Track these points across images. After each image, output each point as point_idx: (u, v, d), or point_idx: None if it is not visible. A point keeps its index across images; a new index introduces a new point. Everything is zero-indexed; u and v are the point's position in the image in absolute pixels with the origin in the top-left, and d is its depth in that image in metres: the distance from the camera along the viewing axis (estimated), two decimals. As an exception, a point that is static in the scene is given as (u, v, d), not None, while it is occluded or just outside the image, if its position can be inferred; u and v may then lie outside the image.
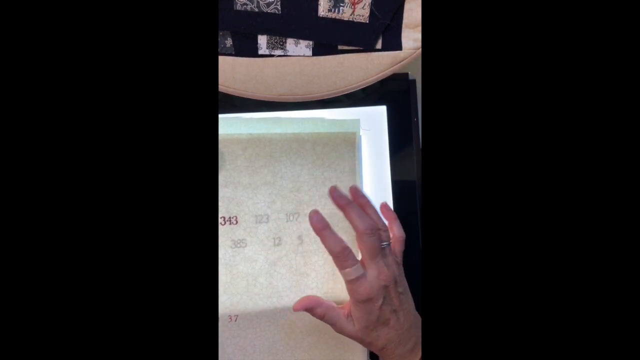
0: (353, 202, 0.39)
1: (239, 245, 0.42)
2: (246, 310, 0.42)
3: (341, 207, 0.38)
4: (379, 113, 0.46)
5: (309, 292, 0.43)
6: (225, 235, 0.41)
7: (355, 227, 0.37)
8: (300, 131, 0.43)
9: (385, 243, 0.38)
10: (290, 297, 0.42)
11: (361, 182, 0.44)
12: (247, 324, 0.42)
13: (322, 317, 0.39)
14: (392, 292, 0.37)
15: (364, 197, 0.41)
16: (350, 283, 0.36)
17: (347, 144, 0.44)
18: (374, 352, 0.39)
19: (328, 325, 0.40)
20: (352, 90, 0.39)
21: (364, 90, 0.39)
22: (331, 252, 0.37)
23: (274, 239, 0.42)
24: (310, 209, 0.42)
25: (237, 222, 0.42)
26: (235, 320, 0.42)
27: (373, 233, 0.36)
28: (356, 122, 0.43)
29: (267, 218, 0.42)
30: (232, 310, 0.42)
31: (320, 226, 0.37)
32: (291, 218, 0.43)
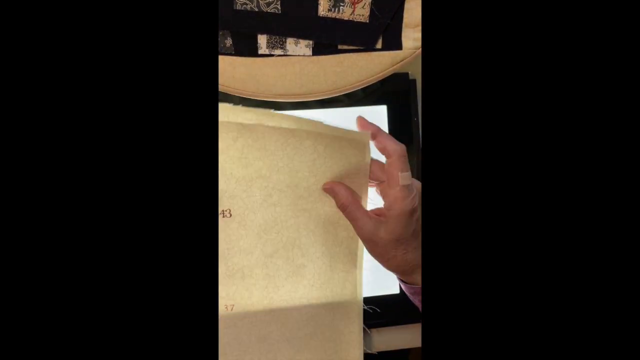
0: (381, 129, 0.38)
1: (233, 237, 0.41)
2: (242, 299, 0.42)
3: (373, 133, 0.38)
4: (379, 113, 0.46)
5: (305, 283, 0.43)
6: (220, 228, 0.41)
7: (390, 151, 0.36)
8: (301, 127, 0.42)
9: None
10: (286, 288, 0.42)
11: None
12: (243, 313, 0.42)
13: (344, 208, 0.38)
14: (419, 207, 0.37)
15: (373, 126, 0.39)
16: (403, 189, 0.35)
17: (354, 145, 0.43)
18: (387, 266, 0.38)
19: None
20: (352, 90, 0.38)
21: (364, 90, 0.39)
22: (392, 154, 0.36)
23: (269, 231, 0.42)
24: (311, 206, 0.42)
25: (230, 215, 0.41)
26: (231, 309, 0.42)
27: (405, 154, 0.36)
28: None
29: (263, 211, 0.42)
30: (228, 301, 0.42)
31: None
32: (289, 212, 0.42)
